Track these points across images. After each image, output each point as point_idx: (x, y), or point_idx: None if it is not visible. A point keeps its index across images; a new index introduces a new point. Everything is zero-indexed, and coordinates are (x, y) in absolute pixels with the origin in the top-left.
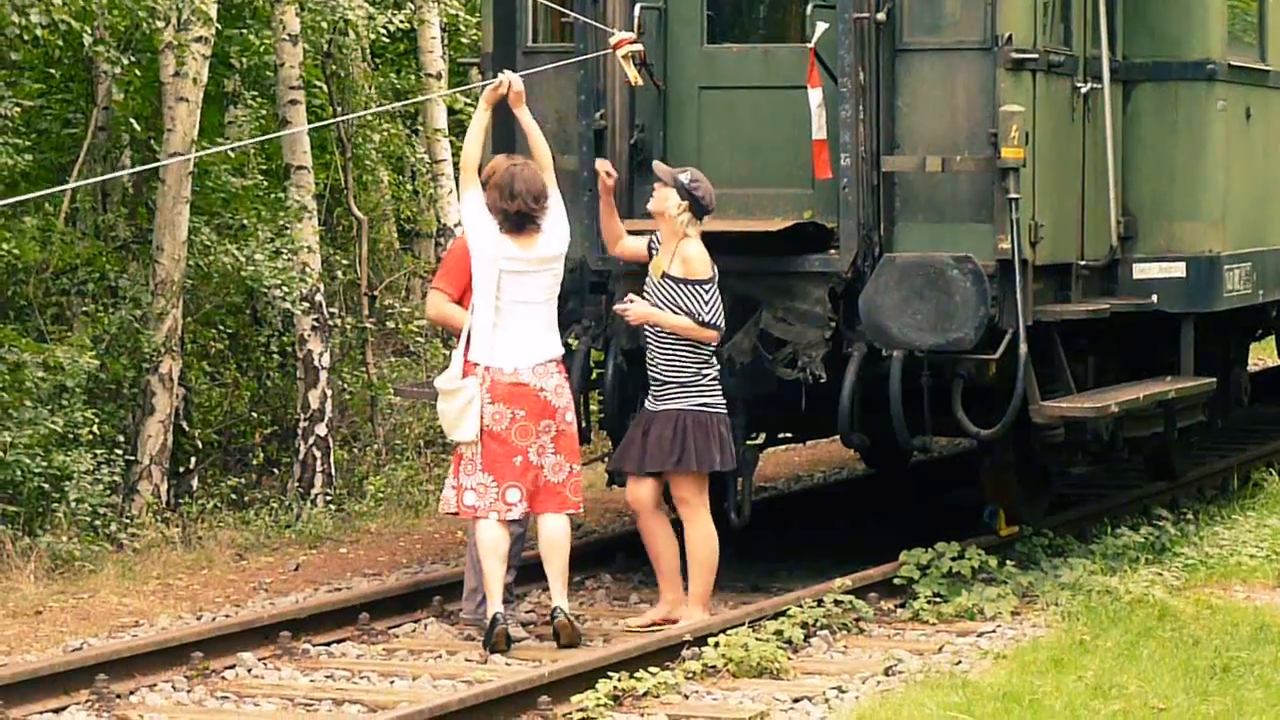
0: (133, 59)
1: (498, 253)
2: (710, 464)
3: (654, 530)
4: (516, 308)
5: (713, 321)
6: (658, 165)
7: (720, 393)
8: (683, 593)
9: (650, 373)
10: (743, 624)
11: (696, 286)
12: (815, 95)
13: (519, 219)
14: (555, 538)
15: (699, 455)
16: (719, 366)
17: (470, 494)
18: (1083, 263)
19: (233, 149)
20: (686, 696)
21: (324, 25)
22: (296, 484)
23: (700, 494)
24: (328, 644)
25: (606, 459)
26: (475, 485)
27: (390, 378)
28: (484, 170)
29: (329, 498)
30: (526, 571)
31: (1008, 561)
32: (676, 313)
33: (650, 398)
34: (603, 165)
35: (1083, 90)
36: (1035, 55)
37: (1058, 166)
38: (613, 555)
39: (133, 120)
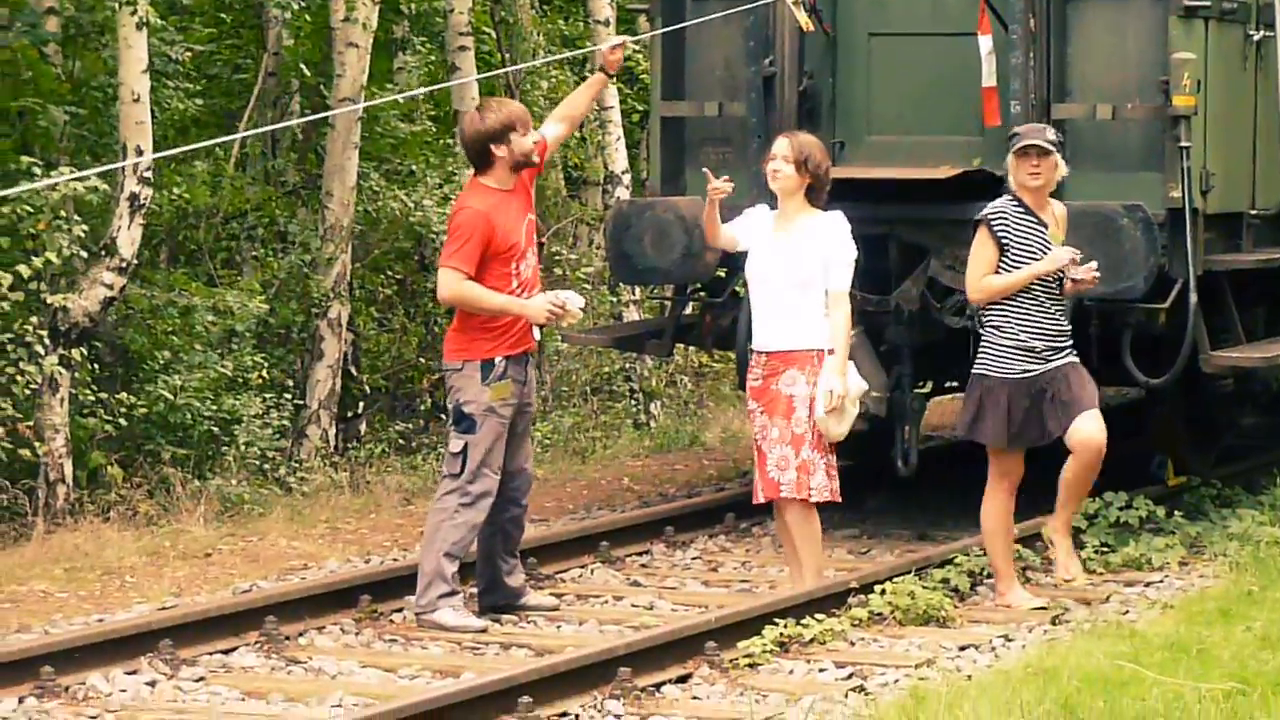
0: (303, 4)
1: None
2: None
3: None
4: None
5: None
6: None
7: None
8: None
9: None
10: (909, 572)
11: None
12: (985, 42)
13: None
14: None
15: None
16: None
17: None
18: (1253, 212)
19: (403, 98)
20: (853, 644)
21: None
22: None
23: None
24: None
25: None
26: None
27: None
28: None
29: None
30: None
31: (1175, 512)
32: None
33: None
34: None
35: (1255, 38)
36: (1207, 3)
37: (1229, 115)
38: None
39: (303, 66)
